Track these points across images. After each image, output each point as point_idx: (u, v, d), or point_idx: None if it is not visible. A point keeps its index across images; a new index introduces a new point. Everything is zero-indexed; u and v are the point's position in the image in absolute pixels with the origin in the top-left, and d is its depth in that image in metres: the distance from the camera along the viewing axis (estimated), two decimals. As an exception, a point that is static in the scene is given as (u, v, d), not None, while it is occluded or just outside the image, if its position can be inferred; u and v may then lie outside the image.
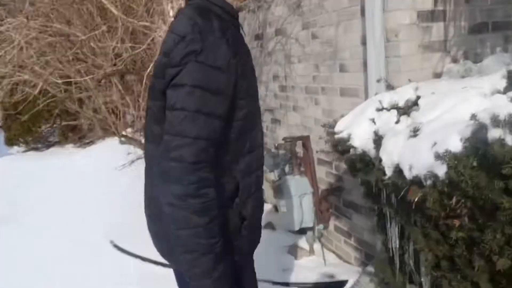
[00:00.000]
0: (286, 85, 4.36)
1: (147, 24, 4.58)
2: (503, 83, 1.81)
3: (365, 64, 2.95)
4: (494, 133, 1.33)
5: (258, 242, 1.40)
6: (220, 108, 1.10)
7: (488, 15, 2.92)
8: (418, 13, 2.64)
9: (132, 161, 5.98)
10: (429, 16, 2.69)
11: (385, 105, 2.27)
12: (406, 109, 2.20)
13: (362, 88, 3.07)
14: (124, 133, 7.11)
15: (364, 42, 2.92)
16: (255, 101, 1.32)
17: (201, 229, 1.03)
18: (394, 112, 2.20)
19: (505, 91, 1.77)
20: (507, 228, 1.35)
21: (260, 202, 1.37)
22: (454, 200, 1.48)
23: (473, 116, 1.37)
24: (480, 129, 1.39)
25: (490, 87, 1.83)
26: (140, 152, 5.66)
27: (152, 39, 4.76)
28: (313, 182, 3.61)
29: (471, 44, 2.86)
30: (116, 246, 4.01)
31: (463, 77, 2.24)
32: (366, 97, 2.95)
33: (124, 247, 3.93)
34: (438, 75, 2.52)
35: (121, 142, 6.97)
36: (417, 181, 1.64)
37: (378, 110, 2.23)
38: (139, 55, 5.50)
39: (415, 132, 1.75)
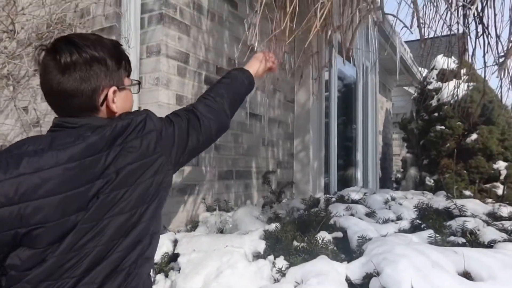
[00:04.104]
0: None
1: None
2: (262, 245, 1.77)
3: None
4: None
5: None
6: None
7: (233, 164, 3.15)
8: (175, 156, 2.55)
9: None
10: (185, 160, 2.64)
11: (139, 261, 1.89)
12: (163, 266, 1.89)
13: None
14: None
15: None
16: None
17: None
18: (149, 270, 1.86)
19: (265, 254, 1.72)
20: None
21: None
22: None
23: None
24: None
25: (251, 248, 1.76)
26: None
27: None
28: None
29: (219, 189, 2.95)
30: None
31: (220, 229, 2.16)
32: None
33: None
34: (194, 223, 2.39)
35: None
36: None
37: (131, 268, 1.83)
38: None
39: (179, 309, 1.43)
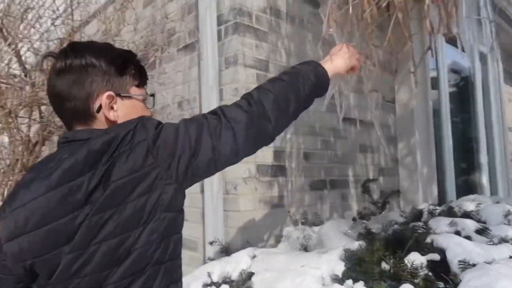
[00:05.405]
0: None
1: None
2: (340, 267, 1.56)
3: (203, 216, 2.59)
4: None
5: None
6: None
7: (326, 173, 2.95)
8: (258, 167, 2.47)
9: None
10: (269, 171, 2.54)
11: (216, 278, 1.84)
12: (240, 284, 1.80)
13: (201, 242, 2.64)
14: None
15: (203, 191, 2.60)
16: None
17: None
18: (226, 288, 1.78)
19: (343, 278, 1.50)
20: None
21: None
22: None
23: None
24: None
25: (329, 270, 1.56)
26: None
27: None
28: None
29: (311, 200, 2.78)
30: None
31: (302, 245, 1.99)
32: (204, 253, 2.53)
33: None
34: (278, 238, 2.26)
35: None
36: None
37: (206, 285, 1.78)
38: None
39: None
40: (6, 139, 3.51)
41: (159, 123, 0.94)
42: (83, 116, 0.95)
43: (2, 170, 3.24)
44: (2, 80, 2.90)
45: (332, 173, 3.01)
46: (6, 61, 2.92)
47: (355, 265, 1.55)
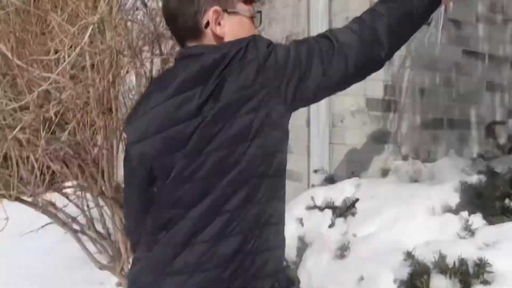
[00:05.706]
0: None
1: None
2: (455, 198, 1.45)
3: (309, 148, 2.61)
4: (439, 283, 0.91)
5: None
6: None
7: (444, 111, 2.71)
8: (367, 100, 2.36)
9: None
10: (380, 105, 2.41)
11: (319, 202, 1.87)
12: (343, 210, 1.81)
13: (306, 173, 2.69)
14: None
15: (309, 124, 2.60)
16: None
17: None
18: (329, 213, 1.81)
19: (457, 210, 1.40)
20: None
21: None
22: None
23: (410, 255, 0.96)
24: (420, 272, 0.98)
25: (440, 200, 1.47)
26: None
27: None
28: None
29: (423, 139, 2.60)
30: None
31: (412, 179, 1.90)
32: (309, 184, 2.58)
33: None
34: (385, 172, 2.19)
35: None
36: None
37: (309, 208, 1.83)
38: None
39: (342, 251, 1.33)
40: (133, 79, 3.91)
41: (271, 43, 0.96)
42: (193, 32, 1.00)
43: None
44: (129, 18, 3.18)
45: (451, 112, 2.76)
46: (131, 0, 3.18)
47: (472, 198, 1.43)
